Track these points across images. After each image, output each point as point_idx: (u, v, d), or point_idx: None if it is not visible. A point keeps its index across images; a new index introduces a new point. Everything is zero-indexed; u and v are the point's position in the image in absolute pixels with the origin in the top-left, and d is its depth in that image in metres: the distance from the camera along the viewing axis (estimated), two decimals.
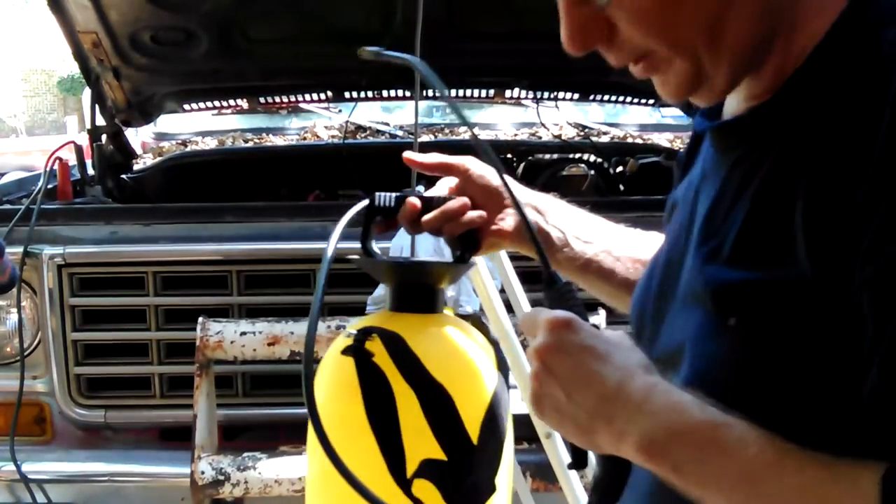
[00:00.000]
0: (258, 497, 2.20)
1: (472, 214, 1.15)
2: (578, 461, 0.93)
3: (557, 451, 1.58)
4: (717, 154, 0.90)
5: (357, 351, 0.93)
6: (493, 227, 1.17)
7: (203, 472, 2.18)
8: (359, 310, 2.32)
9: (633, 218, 2.67)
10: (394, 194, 1.15)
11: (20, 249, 2.41)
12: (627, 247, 1.21)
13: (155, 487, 2.43)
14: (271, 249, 2.46)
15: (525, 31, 3.04)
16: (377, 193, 1.13)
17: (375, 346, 0.95)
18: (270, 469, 2.18)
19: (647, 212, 2.55)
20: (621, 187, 3.58)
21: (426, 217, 1.14)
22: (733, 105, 0.90)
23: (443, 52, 3.12)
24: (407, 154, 1.20)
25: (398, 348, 0.93)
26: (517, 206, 0.99)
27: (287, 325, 2.26)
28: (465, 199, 1.15)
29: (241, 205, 2.68)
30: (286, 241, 2.46)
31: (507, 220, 1.17)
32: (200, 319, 2.26)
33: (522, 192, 1.15)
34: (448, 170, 1.20)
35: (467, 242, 1.15)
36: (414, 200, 1.14)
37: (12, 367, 2.46)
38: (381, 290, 2.33)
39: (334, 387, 0.93)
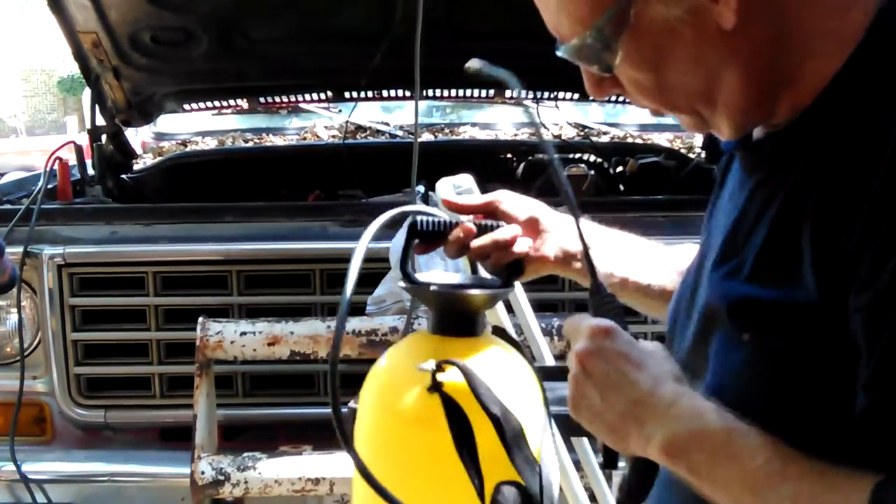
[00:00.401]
0: (258, 497, 2.20)
1: (522, 244, 1.18)
2: (609, 461, 0.99)
3: (558, 451, 1.58)
4: (744, 174, 0.96)
5: (441, 387, 0.97)
6: (536, 253, 1.21)
7: (203, 472, 2.18)
8: (359, 310, 2.32)
9: (632, 218, 2.69)
10: (437, 218, 1.16)
11: (20, 249, 2.41)
12: (662, 260, 1.27)
13: (155, 487, 2.43)
14: (271, 249, 2.46)
15: (525, 31, 3.03)
16: (419, 217, 1.14)
17: (451, 378, 0.98)
18: (270, 469, 2.18)
19: (647, 212, 2.55)
20: (621, 187, 3.58)
21: (476, 243, 1.16)
22: (759, 129, 0.95)
23: (443, 52, 3.11)
24: (444, 196, 1.22)
25: (474, 380, 0.97)
26: (580, 235, 1.04)
27: (287, 325, 2.26)
28: (515, 229, 1.18)
29: (241, 205, 2.68)
30: (286, 241, 2.46)
31: (548, 246, 1.23)
32: (200, 319, 2.26)
33: (562, 218, 1.23)
34: (484, 208, 1.23)
35: (513, 269, 1.17)
36: (470, 226, 1.15)
37: (12, 367, 2.46)
38: (382, 290, 2.33)
39: (421, 421, 0.99)
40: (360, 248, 0.99)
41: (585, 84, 0.96)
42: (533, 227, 1.22)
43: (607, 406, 0.90)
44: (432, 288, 1.05)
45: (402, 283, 1.09)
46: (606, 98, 1.00)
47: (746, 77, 0.87)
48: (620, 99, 3.69)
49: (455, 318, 1.06)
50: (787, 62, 0.87)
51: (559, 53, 0.93)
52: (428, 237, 1.15)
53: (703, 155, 3.58)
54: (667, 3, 0.85)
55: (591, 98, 3.71)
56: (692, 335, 0.99)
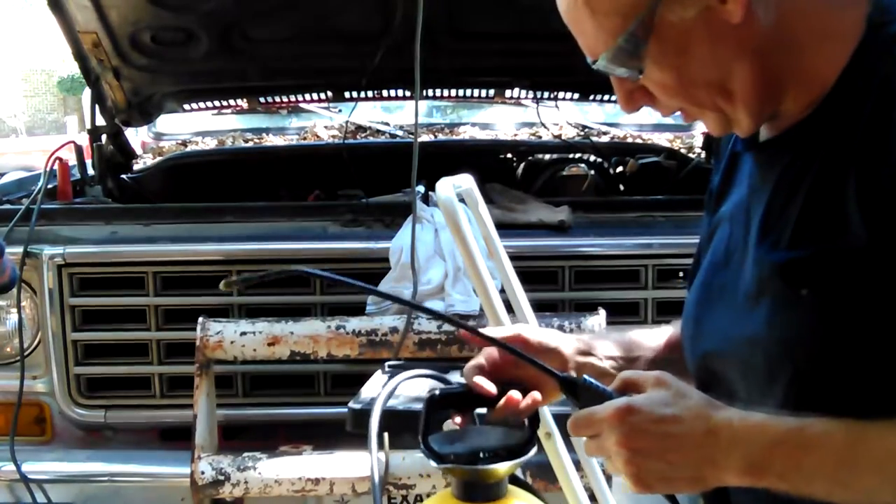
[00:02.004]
0: (258, 497, 2.20)
1: (531, 399, 1.19)
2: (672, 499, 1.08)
3: (558, 451, 1.58)
4: (762, 169, 1.09)
5: None
6: (550, 387, 1.23)
7: (203, 472, 2.18)
8: (359, 310, 2.32)
9: (633, 218, 2.69)
10: (455, 388, 1.20)
11: (20, 249, 2.41)
12: (662, 342, 1.33)
13: (155, 487, 2.43)
14: (271, 249, 2.45)
15: (525, 31, 3.04)
16: (434, 391, 1.16)
17: None
18: (270, 469, 2.18)
19: (647, 212, 2.55)
20: (621, 187, 3.58)
21: (496, 411, 1.19)
22: (764, 131, 1.09)
23: (443, 52, 3.12)
24: (464, 332, 1.23)
25: None
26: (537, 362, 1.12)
27: (287, 325, 2.26)
28: (535, 396, 1.19)
29: (241, 205, 2.68)
30: (286, 241, 2.46)
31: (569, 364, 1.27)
32: (200, 319, 2.26)
33: (570, 338, 1.28)
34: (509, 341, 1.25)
35: (531, 421, 1.18)
36: (490, 388, 1.17)
37: (12, 367, 2.46)
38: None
39: None
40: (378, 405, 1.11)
41: (618, 100, 1.08)
42: (552, 357, 1.25)
43: (675, 467, 0.97)
44: (450, 464, 1.08)
45: (423, 454, 1.10)
46: (637, 109, 1.09)
47: (756, 69, 1.00)
48: None
49: (481, 487, 1.09)
50: (793, 58, 1.01)
51: (596, 67, 1.04)
52: (449, 405, 1.18)
53: (702, 155, 3.58)
54: (683, 5, 0.98)
55: (590, 98, 3.72)
56: (708, 324, 1.11)
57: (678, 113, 1.08)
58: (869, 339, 0.93)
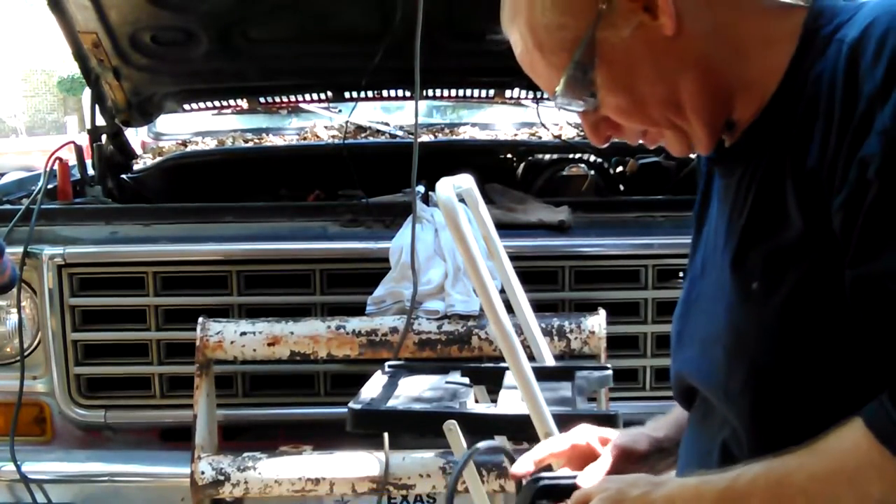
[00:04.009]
0: (258, 497, 2.20)
1: None
2: None
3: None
4: (724, 180, 1.12)
5: None
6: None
7: (203, 472, 2.18)
8: (359, 310, 2.32)
9: (633, 218, 2.68)
10: (567, 481, 1.20)
11: (20, 249, 2.41)
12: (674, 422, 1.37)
13: (155, 487, 2.43)
14: (271, 249, 2.45)
15: None
16: (541, 479, 1.19)
17: None
18: (270, 469, 2.18)
19: (647, 212, 2.55)
20: (621, 187, 3.58)
21: None
22: (728, 141, 1.11)
23: (443, 52, 3.12)
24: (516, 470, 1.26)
25: None
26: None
27: (287, 325, 2.27)
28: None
29: (241, 205, 2.68)
30: (286, 241, 2.46)
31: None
32: (200, 319, 2.26)
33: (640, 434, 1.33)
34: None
35: None
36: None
37: (12, 367, 2.46)
38: (381, 290, 2.33)
39: None
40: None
41: (587, 134, 1.14)
42: (595, 458, 1.29)
43: None
44: None
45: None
46: (607, 144, 1.15)
47: (701, 80, 1.02)
48: None
49: None
50: (736, 66, 1.03)
51: (558, 105, 1.09)
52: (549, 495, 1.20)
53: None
54: (616, 27, 1.01)
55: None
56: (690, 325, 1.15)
57: (641, 141, 1.13)
58: (816, 330, 0.96)
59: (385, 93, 3.68)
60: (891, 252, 0.88)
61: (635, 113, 1.07)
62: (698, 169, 1.28)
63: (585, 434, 1.31)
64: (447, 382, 1.78)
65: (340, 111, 4.25)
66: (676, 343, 1.21)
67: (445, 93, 3.80)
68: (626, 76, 1.03)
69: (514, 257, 1.73)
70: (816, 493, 0.91)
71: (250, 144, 4.32)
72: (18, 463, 2.37)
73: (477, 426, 1.62)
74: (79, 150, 3.10)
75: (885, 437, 0.86)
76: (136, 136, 4.16)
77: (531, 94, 3.68)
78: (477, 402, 1.80)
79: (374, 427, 1.86)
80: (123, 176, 3.31)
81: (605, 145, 1.15)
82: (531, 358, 1.63)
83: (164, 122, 4.32)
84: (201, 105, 3.65)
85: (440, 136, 4.27)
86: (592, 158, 3.68)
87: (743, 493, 0.96)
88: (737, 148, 1.09)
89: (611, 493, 1.06)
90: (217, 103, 3.74)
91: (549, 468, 1.25)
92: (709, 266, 1.14)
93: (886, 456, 0.86)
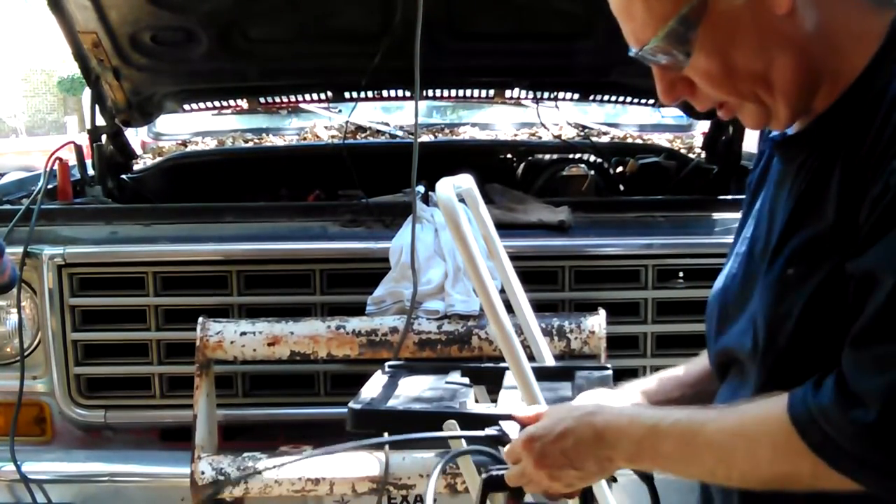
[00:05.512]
0: (258, 497, 2.20)
1: None
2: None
3: None
4: (784, 166, 1.15)
5: None
6: None
7: (203, 472, 2.18)
8: (359, 310, 2.32)
9: (633, 218, 2.68)
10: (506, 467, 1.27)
11: (20, 249, 2.41)
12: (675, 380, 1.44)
13: (155, 487, 2.43)
14: (271, 249, 2.45)
15: (525, 31, 3.04)
16: (491, 472, 1.27)
17: None
18: (270, 469, 2.18)
19: (647, 212, 2.55)
20: (621, 187, 3.58)
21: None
22: (793, 130, 1.13)
23: (443, 52, 3.12)
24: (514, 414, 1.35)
25: None
26: None
27: (287, 325, 2.26)
28: None
29: (241, 205, 2.68)
30: (286, 241, 2.46)
31: None
32: (200, 319, 2.26)
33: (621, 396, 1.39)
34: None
35: (586, 499, 1.31)
36: None
37: (12, 367, 2.46)
38: (381, 290, 2.33)
39: None
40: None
41: (659, 90, 1.12)
42: None
43: (583, 469, 1.18)
44: None
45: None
46: (676, 103, 1.17)
47: (798, 63, 1.04)
48: (621, 99, 3.70)
49: None
50: (829, 58, 1.05)
51: (640, 55, 1.08)
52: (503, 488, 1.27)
53: (703, 155, 3.58)
54: None
55: (590, 98, 3.72)
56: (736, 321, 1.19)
57: (717, 110, 1.12)
58: (836, 323, 1.00)
59: (385, 93, 3.68)
60: (876, 250, 0.94)
61: (724, 82, 1.07)
62: (758, 149, 1.29)
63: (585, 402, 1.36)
64: (447, 382, 1.78)
65: (340, 111, 4.25)
66: (720, 318, 1.23)
67: (445, 93, 3.79)
68: (727, 43, 1.04)
69: (514, 257, 1.73)
70: (718, 444, 1.04)
71: (250, 144, 4.32)
72: (18, 463, 2.37)
73: (477, 426, 1.62)
74: (79, 151, 3.10)
75: (795, 413, 0.97)
76: (136, 136, 4.16)
77: (531, 94, 3.68)
78: (477, 402, 1.80)
79: (374, 427, 1.86)
80: (123, 176, 3.31)
81: (674, 104, 1.22)
82: (531, 358, 1.63)
83: (164, 122, 4.32)
84: (201, 105, 3.65)
85: (440, 137, 4.27)
86: (592, 158, 3.68)
87: (662, 434, 1.09)
88: (803, 135, 1.11)
89: (531, 434, 1.18)
90: (217, 103, 3.73)
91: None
92: (758, 246, 1.16)
93: (786, 428, 0.98)
